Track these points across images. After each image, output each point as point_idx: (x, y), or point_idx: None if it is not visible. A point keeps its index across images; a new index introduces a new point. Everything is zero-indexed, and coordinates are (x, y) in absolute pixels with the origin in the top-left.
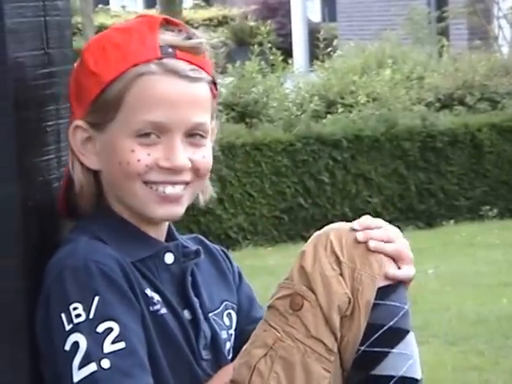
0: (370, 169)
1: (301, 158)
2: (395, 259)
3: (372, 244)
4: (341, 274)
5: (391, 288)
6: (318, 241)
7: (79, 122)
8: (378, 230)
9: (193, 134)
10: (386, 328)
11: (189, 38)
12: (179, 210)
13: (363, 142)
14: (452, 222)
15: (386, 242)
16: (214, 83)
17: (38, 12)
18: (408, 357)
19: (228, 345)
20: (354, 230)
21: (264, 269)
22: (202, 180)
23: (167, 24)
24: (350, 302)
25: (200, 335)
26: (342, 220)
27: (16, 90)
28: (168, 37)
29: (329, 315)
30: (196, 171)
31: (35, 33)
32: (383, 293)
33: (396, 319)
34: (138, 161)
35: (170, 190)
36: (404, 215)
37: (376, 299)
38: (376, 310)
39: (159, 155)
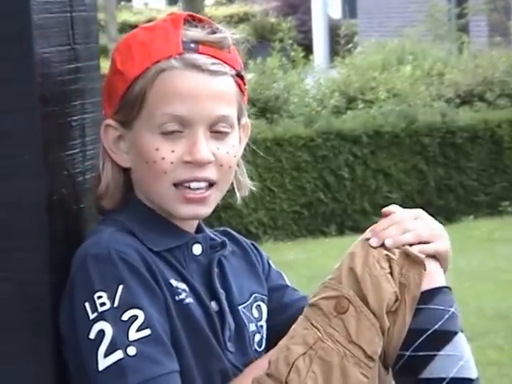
0: (389, 164)
1: (321, 154)
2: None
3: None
4: (390, 273)
5: (434, 292)
6: (366, 242)
7: (109, 121)
8: (410, 235)
9: (217, 128)
10: (430, 332)
11: (213, 32)
12: (204, 210)
13: (383, 137)
14: (471, 217)
15: (423, 242)
16: (241, 78)
17: (64, 8)
18: (458, 358)
19: (257, 337)
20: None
21: (284, 263)
22: (226, 177)
23: (192, 20)
24: (396, 299)
25: (225, 327)
26: (361, 215)
27: (42, 85)
28: (192, 32)
29: (379, 314)
30: (219, 167)
31: (61, 28)
32: (426, 297)
33: (440, 322)
34: (163, 159)
35: (194, 185)
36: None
37: (419, 304)
38: (420, 315)
39: (183, 150)
